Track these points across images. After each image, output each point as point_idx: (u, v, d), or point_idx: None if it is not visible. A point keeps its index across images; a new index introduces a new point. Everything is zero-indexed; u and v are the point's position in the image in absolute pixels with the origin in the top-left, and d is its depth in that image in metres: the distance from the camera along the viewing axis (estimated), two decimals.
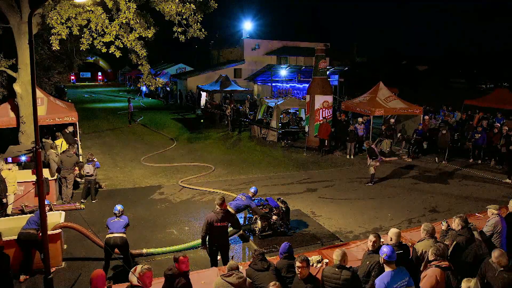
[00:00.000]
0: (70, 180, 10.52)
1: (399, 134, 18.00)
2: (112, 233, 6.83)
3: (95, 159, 10.99)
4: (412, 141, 16.51)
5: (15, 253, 6.93)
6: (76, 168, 10.84)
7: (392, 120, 17.49)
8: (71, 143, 12.34)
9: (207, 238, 6.69)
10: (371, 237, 5.40)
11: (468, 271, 5.57)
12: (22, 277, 6.86)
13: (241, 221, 9.10)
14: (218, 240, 6.71)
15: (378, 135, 17.51)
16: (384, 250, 4.82)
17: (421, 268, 5.42)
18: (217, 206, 6.72)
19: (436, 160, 15.84)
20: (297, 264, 4.78)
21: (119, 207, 7.13)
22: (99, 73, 65.09)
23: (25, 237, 6.75)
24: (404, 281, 4.78)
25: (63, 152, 10.98)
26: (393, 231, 5.64)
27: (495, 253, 4.94)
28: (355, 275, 4.95)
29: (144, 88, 39.60)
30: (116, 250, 6.88)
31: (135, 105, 33.67)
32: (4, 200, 8.81)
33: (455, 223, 5.99)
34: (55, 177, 10.60)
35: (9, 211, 9.20)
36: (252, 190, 8.80)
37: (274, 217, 8.64)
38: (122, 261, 6.93)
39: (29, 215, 7.42)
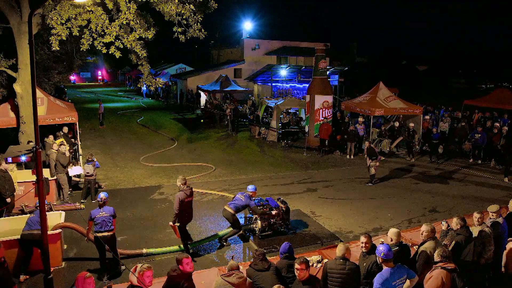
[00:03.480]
0: (61, 180, 10.48)
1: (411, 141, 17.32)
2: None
3: (95, 159, 10.99)
4: (418, 144, 16.35)
5: (16, 253, 6.94)
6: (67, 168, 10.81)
7: (397, 124, 17.04)
8: (69, 143, 12.39)
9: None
10: (362, 239, 5.35)
11: (467, 270, 5.58)
12: (22, 277, 6.86)
13: (241, 221, 9.09)
14: (188, 213, 7.80)
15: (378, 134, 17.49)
16: (381, 249, 4.82)
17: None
18: (182, 186, 7.68)
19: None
20: (296, 266, 4.77)
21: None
22: (99, 73, 65.16)
23: (29, 237, 6.75)
24: (403, 279, 4.81)
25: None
26: (392, 231, 5.63)
27: None
28: (358, 268, 5.11)
29: (144, 89, 39.65)
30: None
31: (135, 105, 33.88)
32: (8, 200, 8.81)
33: (454, 223, 6.00)
34: (54, 177, 10.60)
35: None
36: (251, 188, 8.70)
37: (274, 217, 8.64)
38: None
39: (29, 215, 7.42)
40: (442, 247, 5.09)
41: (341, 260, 5.03)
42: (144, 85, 13.94)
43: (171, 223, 7.69)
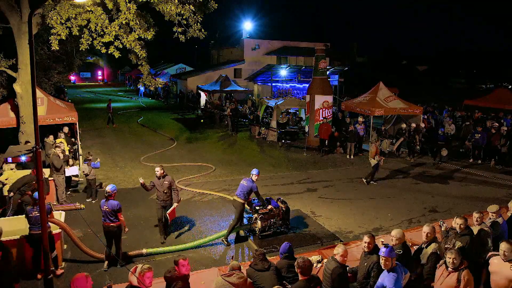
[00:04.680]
0: (56, 181, 10.38)
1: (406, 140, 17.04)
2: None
3: (98, 159, 10.91)
4: (419, 144, 16.31)
5: (25, 251, 7.01)
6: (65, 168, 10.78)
7: (404, 125, 16.73)
8: (69, 143, 12.38)
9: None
10: (366, 238, 5.36)
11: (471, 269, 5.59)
12: (40, 275, 6.85)
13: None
14: None
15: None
16: (384, 250, 4.82)
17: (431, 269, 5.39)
18: (163, 171, 8.53)
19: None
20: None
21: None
22: (99, 73, 65.21)
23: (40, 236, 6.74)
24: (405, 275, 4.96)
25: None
26: (396, 232, 5.62)
27: None
28: (344, 270, 5.11)
29: (142, 88, 39.79)
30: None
31: (134, 105, 33.88)
32: (11, 194, 8.77)
33: (457, 224, 5.97)
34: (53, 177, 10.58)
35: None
36: (254, 172, 8.59)
37: (274, 217, 8.63)
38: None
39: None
40: (455, 249, 5.09)
41: (330, 258, 5.23)
42: (143, 85, 13.93)
43: (176, 204, 8.34)
